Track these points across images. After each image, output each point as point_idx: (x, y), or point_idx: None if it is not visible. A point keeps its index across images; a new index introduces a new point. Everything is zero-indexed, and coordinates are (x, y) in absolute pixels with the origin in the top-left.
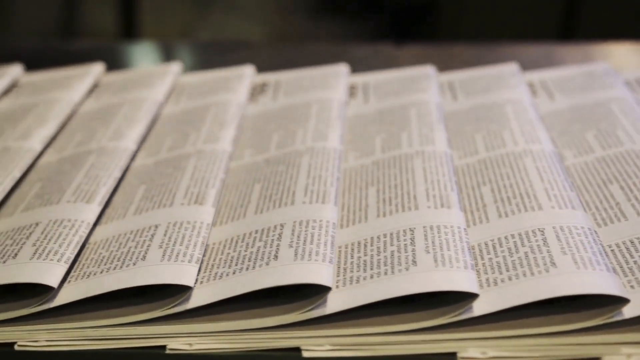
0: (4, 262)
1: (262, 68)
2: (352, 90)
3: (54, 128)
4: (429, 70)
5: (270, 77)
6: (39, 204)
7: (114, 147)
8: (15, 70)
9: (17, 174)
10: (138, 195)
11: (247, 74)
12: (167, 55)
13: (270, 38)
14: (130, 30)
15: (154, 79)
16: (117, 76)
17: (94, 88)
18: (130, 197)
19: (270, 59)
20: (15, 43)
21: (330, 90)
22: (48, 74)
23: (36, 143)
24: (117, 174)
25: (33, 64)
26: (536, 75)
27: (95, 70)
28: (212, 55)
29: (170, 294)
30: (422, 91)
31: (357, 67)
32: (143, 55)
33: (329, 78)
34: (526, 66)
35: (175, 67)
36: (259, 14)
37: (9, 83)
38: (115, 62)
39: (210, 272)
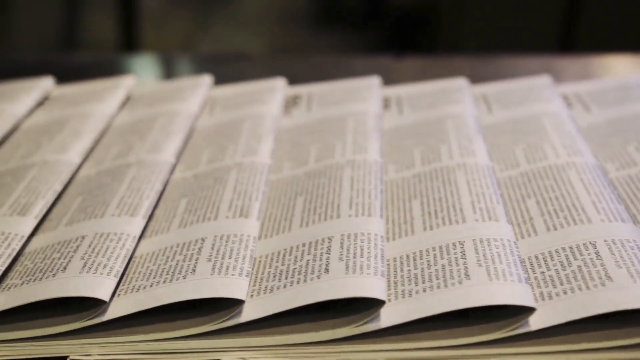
0: (54, 275)
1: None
2: (385, 103)
3: (89, 141)
4: (461, 82)
5: (302, 89)
6: (83, 217)
7: (153, 160)
8: (46, 83)
9: (58, 187)
10: (180, 208)
11: (279, 86)
12: (167, 67)
13: (270, 49)
14: (130, 43)
15: (187, 91)
16: (149, 88)
17: (126, 100)
18: (173, 210)
19: (271, 71)
20: (16, 56)
21: (364, 103)
22: (79, 86)
23: (74, 156)
24: (159, 186)
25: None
26: (570, 88)
27: (127, 82)
28: (213, 67)
29: (220, 307)
30: (456, 103)
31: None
32: (143, 68)
33: (362, 90)
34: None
35: (206, 79)
36: (260, 25)
37: (41, 96)
38: (115, 75)
39: (260, 285)
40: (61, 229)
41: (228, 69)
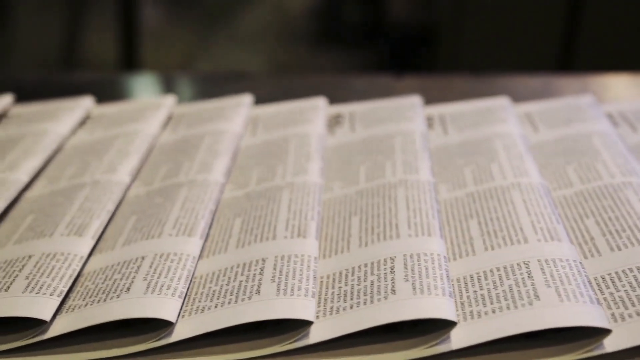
0: (118, 296)
1: (262, 99)
2: (429, 122)
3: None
4: (504, 101)
5: (344, 108)
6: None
7: (203, 179)
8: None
9: (111, 207)
10: (236, 228)
11: (321, 105)
12: (168, 86)
13: (270, 68)
14: (131, 61)
15: (229, 111)
16: (190, 108)
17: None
18: (228, 230)
19: (271, 91)
20: (16, 75)
21: (410, 122)
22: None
23: (124, 176)
24: (212, 206)
25: (34, 96)
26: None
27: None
28: (214, 86)
29: (286, 328)
30: (502, 122)
31: (356, 98)
32: (143, 87)
33: (405, 109)
34: (524, 97)
35: (247, 99)
36: (260, 43)
37: (83, 115)
38: (115, 94)
39: (324, 306)
40: (119, 250)
41: (228, 88)
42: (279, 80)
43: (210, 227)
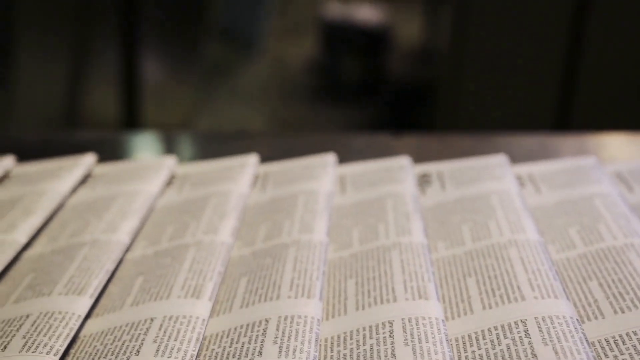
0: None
1: (263, 158)
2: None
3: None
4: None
5: (430, 167)
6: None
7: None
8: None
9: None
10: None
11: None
12: (169, 145)
13: (271, 125)
14: (132, 119)
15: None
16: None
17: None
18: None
19: (271, 149)
20: (17, 134)
21: (501, 181)
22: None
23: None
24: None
25: (36, 155)
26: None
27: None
28: (214, 145)
29: None
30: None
31: (355, 157)
32: (145, 146)
33: (493, 168)
34: (522, 156)
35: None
36: (260, 100)
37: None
38: (117, 153)
39: None
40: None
41: (229, 147)
42: (278, 139)
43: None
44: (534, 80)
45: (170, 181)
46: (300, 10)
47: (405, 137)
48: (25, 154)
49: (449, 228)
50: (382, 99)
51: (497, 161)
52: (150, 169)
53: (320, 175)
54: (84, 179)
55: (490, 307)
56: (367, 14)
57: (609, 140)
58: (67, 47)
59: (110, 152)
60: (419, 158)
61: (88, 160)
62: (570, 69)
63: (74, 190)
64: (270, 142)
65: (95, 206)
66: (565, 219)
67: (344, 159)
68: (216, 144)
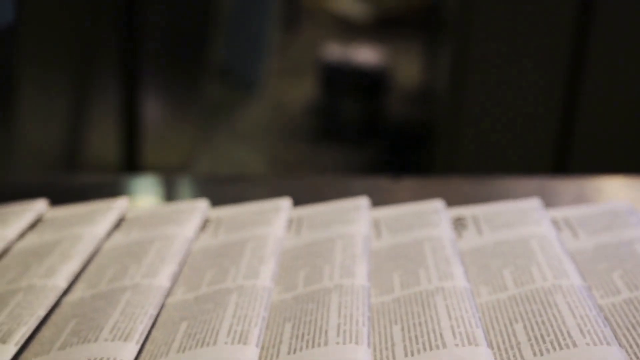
0: None
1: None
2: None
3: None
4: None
5: (465, 210)
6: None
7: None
8: (39, 205)
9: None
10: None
11: (441, 208)
12: (170, 188)
13: (271, 166)
14: (132, 161)
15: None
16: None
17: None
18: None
19: (270, 192)
20: (18, 180)
21: (539, 225)
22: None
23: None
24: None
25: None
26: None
27: (120, 204)
28: (213, 188)
29: None
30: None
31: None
32: (146, 189)
33: (529, 212)
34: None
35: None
36: (260, 141)
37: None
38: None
39: None
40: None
41: (228, 190)
42: (278, 182)
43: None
44: (532, 123)
45: (204, 225)
46: (300, 52)
47: (405, 181)
48: (27, 198)
49: (490, 272)
50: (381, 141)
51: (532, 205)
52: (183, 212)
53: (356, 219)
54: (118, 223)
55: (542, 354)
56: (367, 56)
57: (608, 183)
58: (68, 88)
59: (112, 195)
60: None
61: (122, 204)
62: (568, 112)
63: (109, 234)
64: (269, 186)
65: (133, 250)
66: (607, 263)
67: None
68: (217, 187)
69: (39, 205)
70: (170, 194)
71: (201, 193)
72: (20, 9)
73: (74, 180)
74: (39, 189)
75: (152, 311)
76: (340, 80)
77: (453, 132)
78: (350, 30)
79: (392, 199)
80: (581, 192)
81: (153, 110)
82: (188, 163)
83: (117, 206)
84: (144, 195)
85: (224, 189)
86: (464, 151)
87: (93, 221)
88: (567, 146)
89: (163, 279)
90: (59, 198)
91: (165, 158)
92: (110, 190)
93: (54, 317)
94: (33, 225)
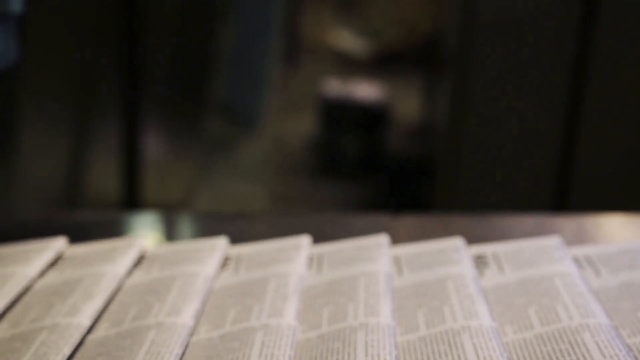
0: None
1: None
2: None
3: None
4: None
5: (485, 248)
6: None
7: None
8: (58, 243)
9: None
10: None
11: (461, 245)
12: (170, 225)
13: (271, 201)
14: (133, 197)
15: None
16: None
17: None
18: None
19: (271, 229)
20: (19, 216)
21: (560, 263)
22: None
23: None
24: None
25: (38, 236)
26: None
27: (139, 242)
28: (213, 225)
29: None
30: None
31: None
32: (146, 226)
33: (552, 250)
34: (519, 237)
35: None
36: (260, 176)
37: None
38: (119, 234)
39: None
40: None
41: (228, 226)
42: (277, 219)
43: None
44: (532, 160)
45: (224, 262)
46: (300, 87)
47: (404, 218)
48: (26, 235)
49: (515, 311)
50: (381, 176)
51: (554, 243)
52: (203, 250)
53: (377, 256)
54: (138, 261)
55: None
56: (366, 91)
57: (608, 221)
58: (69, 125)
59: (114, 232)
60: (419, 238)
61: (140, 242)
62: (567, 149)
63: (130, 272)
64: (269, 222)
65: (155, 288)
66: (631, 302)
67: (344, 239)
68: (218, 224)
69: (59, 243)
70: (172, 232)
71: (203, 231)
72: (22, 45)
73: (75, 217)
74: (43, 225)
75: (178, 350)
76: (340, 115)
77: (452, 167)
78: (350, 65)
79: (392, 236)
80: (581, 230)
81: (153, 147)
82: (188, 199)
83: (137, 244)
84: (148, 233)
85: (225, 226)
86: (463, 187)
87: (114, 259)
88: (566, 183)
89: (187, 318)
90: (58, 235)
91: (165, 194)
92: (113, 227)
93: (78, 356)
94: (53, 263)
